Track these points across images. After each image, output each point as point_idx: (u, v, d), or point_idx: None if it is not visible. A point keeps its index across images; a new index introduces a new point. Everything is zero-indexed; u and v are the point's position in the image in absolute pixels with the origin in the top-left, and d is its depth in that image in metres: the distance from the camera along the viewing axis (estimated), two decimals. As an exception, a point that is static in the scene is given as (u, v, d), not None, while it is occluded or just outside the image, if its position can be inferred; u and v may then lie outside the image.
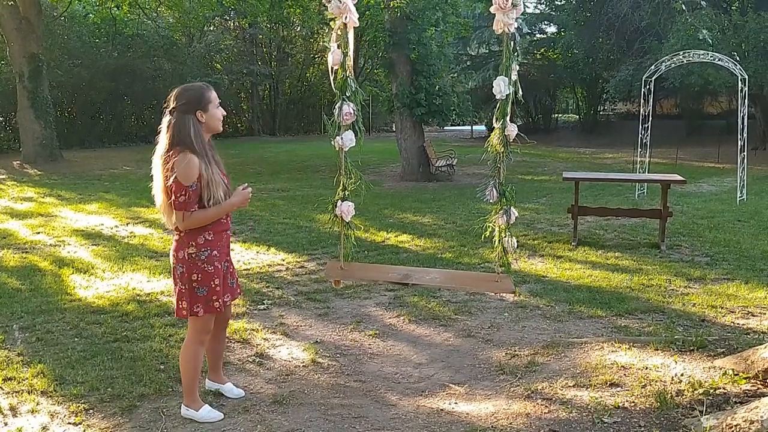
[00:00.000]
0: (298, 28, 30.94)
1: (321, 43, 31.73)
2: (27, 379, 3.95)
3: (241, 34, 32.23)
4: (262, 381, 3.99)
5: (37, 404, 3.63)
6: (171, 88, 3.45)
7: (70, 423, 3.43)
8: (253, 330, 4.87)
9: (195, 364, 3.44)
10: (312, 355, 4.37)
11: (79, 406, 3.59)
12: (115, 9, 20.42)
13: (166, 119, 3.28)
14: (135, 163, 18.51)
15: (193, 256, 3.29)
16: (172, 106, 3.27)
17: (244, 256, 7.32)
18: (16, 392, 3.78)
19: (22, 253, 7.51)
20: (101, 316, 5.18)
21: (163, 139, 3.27)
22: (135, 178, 15.32)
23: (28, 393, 3.76)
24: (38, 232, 8.73)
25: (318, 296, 5.77)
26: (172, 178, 3.16)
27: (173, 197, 3.18)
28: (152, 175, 3.33)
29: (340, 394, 3.79)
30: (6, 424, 3.41)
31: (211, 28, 31.07)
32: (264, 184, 14.05)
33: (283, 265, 6.94)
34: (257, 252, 7.51)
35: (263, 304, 5.54)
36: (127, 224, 9.38)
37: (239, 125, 33.61)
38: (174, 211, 3.23)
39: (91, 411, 3.56)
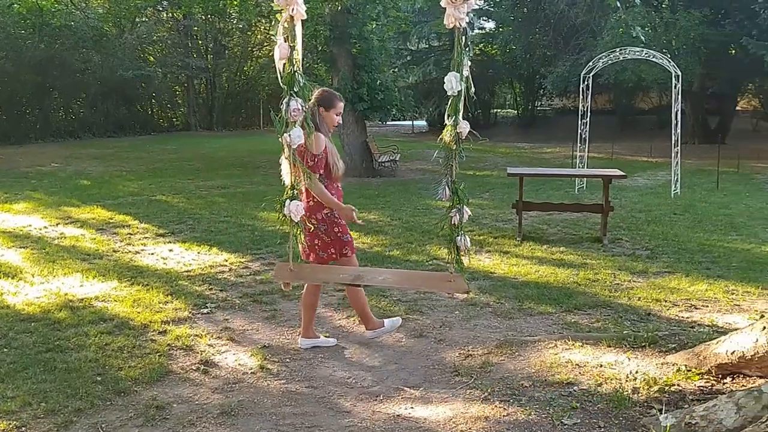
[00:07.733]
0: (235, 20, 30.23)
1: (259, 36, 31.16)
2: (-51, 396, 3.64)
3: (175, 25, 31.23)
4: (208, 390, 3.79)
5: (-39, 425, 3.35)
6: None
7: (-2, 444, 3.17)
8: (197, 336, 4.65)
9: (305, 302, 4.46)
10: (260, 361, 4.20)
11: (9, 424, 3.32)
12: (42, -2, 19.54)
13: None
14: (64, 160, 17.73)
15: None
16: None
17: (185, 256, 7.04)
18: (-64, 412, 3.48)
19: (-58, 257, 7.03)
20: (32, 324, 4.85)
21: None
22: (64, 175, 14.64)
23: (-49, 412, 3.47)
24: (-41, 235, 8.20)
25: (264, 298, 5.58)
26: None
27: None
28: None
29: (292, 402, 3.64)
30: (-75, 448, 3.13)
31: (144, 19, 30.02)
32: (203, 181, 13.66)
33: (226, 265, 6.69)
34: (198, 252, 7.23)
35: (206, 307, 5.31)
36: (57, 225, 8.91)
37: (174, 120, 32.68)
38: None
39: (23, 429, 3.30)
